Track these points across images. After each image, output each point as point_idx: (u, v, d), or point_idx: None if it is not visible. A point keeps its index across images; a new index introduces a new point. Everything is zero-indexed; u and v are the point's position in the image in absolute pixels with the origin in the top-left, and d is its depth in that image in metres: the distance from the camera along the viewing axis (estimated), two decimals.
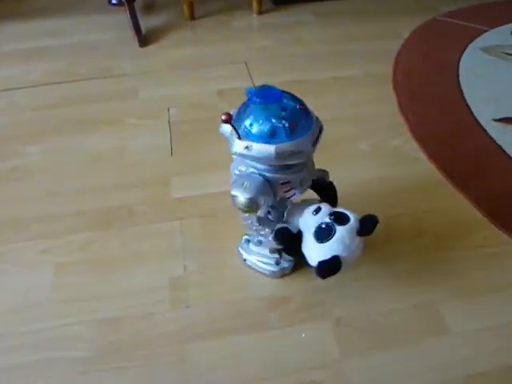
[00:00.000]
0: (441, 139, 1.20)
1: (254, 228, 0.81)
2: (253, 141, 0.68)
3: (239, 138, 0.69)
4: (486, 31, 1.70)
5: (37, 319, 0.82)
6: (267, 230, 0.80)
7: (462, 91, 1.37)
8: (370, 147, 1.18)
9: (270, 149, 0.67)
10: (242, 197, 0.70)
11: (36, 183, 1.10)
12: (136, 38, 1.68)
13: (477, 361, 0.75)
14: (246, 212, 0.74)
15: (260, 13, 1.88)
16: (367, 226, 0.70)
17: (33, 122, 1.31)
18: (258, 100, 0.68)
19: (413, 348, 0.77)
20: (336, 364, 0.75)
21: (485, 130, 1.21)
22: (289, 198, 0.76)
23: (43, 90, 1.45)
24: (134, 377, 0.74)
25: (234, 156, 0.77)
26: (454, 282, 0.86)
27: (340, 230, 0.69)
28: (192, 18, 1.85)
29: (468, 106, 1.31)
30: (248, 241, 0.88)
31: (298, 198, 0.77)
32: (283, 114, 0.68)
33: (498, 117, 1.26)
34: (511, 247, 0.92)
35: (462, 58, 1.54)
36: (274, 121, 0.67)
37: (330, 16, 1.85)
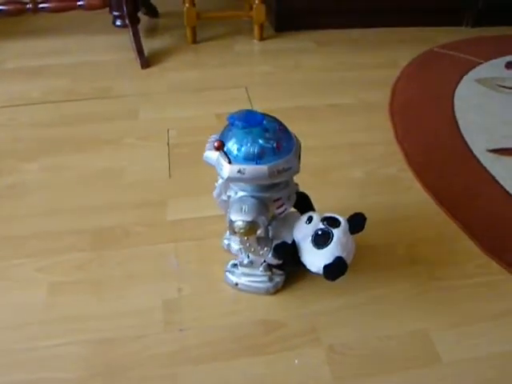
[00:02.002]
0: (435, 168, 1.21)
1: (253, 250, 0.82)
2: (243, 164, 0.69)
3: (230, 162, 0.70)
4: (481, 63, 1.74)
5: (28, 338, 0.82)
6: (266, 248, 0.81)
7: (456, 122, 1.40)
8: (365, 175, 1.19)
9: (262, 169, 0.69)
10: (243, 221, 0.72)
11: (34, 201, 1.10)
12: (138, 60, 1.70)
13: None
14: (246, 235, 0.75)
15: (261, 39, 1.92)
16: (358, 223, 0.76)
17: (32, 140, 1.32)
18: (240, 124, 0.70)
19: (405, 376, 0.77)
20: None
21: (478, 161, 1.23)
22: (280, 213, 0.78)
23: (44, 108, 1.46)
24: None
25: (217, 183, 0.79)
26: (446, 310, 0.87)
27: (336, 233, 0.74)
28: (194, 41, 1.89)
29: (462, 136, 1.33)
30: (235, 265, 0.89)
31: (288, 211, 0.80)
32: (267, 135, 0.70)
33: (491, 148, 1.28)
34: (503, 276, 0.93)
35: (458, 89, 1.57)
36: (261, 142, 0.69)
37: (330, 44, 1.88)
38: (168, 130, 1.33)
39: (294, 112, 1.44)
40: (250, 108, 1.43)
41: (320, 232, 0.75)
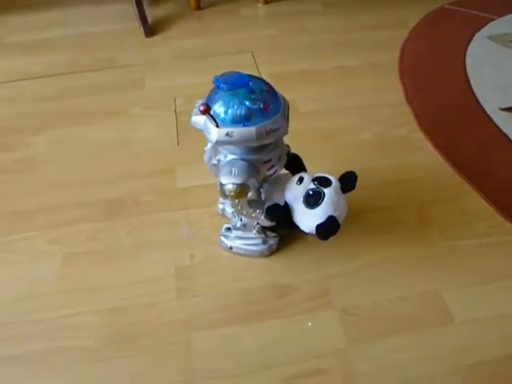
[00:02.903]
0: (447, 128, 1.19)
1: (245, 212, 0.81)
2: (230, 126, 0.68)
3: (217, 126, 0.69)
4: (494, 20, 1.68)
5: (43, 309, 0.83)
6: (258, 211, 0.81)
7: (468, 80, 1.37)
8: (375, 137, 1.17)
9: (250, 131, 0.68)
10: (233, 183, 0.72)
11: (42, 174, 1.10)
12: (142, 29, 1.67)
13: (480, 350, 0.76)
14: (237, 198, 0.75)
15: (266, 2, 1.87)
16: (349, 182, 0.76)
17: (38, 113, 1.31)
18: (225, 86, 0.69)
19: (418, 336, 0.77)
20: (342, 352, 0.76)
21: (491, 119, 1.21)
22: (271, 175, 0.78)
23: (48, 81, 1.45)
24: (140, 365, 0.75)
25: (206, 147, 0.80)
26: (459, 270, 0.87)
27: (327, 192, 0.73)
28: (198, 7, 1.85)
29: (474, 94, 1.30)
30: (229, 229, 0.90)
31: (278, 172, 0.79)
32: (253, 96, 0.69)
33: (504, 106, 1.25)
34: None
35: (469, 47, 1.53)
36: (247, 104, 0.68)
37: (337, 5, 1.83)
38: (175, 98, 1.32)
39: (301, 75, 1.41)
40: (257, 73, 1.41)
41: (311, 192, 0.74)
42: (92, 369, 0.75)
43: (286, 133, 0.73)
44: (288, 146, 0.83)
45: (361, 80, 1.39)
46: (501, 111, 1.23)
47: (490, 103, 1.26)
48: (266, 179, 0.79)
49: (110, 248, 0.93)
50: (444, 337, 0.77)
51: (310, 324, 0.79)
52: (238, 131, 0.68)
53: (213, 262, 0.89)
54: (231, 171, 0.73)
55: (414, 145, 1.14)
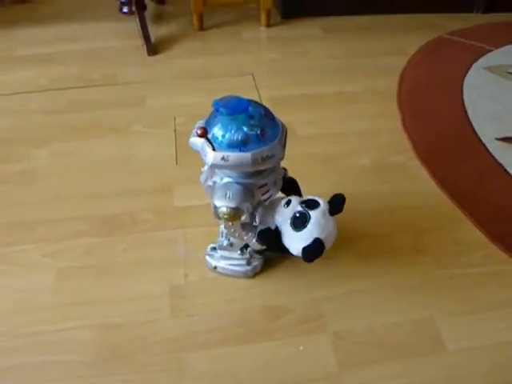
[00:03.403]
0: (443, 157, 1.21)
1: (237, 235, 0.82)
2: (226, 151, 0.70)
3: (213, 149, 0.70)
4: (491, 51, 1.72)
5: (37, 322, 0.83)
6: (250, 234, 0.81)
7: (465, 110, 1.39)
8: (372, 163, 1.19)
9: (246, 157, 0.69)
10: (227, 207, 0.73)
11: (42, 187, 1.11)
12: (145, 47, 1.70)
13: (473, 379, 0.76)
14: (230, 221, 0.77)
15: (268, 25, 1.91)
16: (337, 205, 0.77)
17: (42, 126, 1.33)
18: (225, 111, 0.70)
19: (410, 364, 0.77)
20: (333, 377, 0.75)
21: (487, 149, 1.22)
22: (266, 199, 0.79)
23: (53, 95, 1.47)
24: (132, 383, 0.75)
25: (203, 168, 0.81)
26: (452, 299, 0.87)
27: (314, 214, 0.74)
28: (201, 28, 1.88)
29: (471, 124, 1.33)
30: (214, 248, 0.90)
31: (274, 197, 0.80)
32: (252, 122, 0.70)
33: (500, 136, 1.27)
34: (510, 266, 0.93)
35: (467, 77, 1.56)
36: (245, 129, 0.70)
37: (337, 31, 1.87)
38: (175, 118, 1.33)
39: (301, 99, 1.43)
40: (257, 95, 1.43)
41: (298, 214, 0.75)
42: None
43: (281, 159, 0.75)
44: (285, 170, 0.84)
45: (360, 105, 1.41)
46: (497, 141, 1.25)
47: (487, 133, 1.28)
48: (260, 203, 0.80)
49: (105, 264, 0.93)
50: (435, 365, 0.77)
51: (301, 348, 0.79)
52: (234, 156, 0.70)
53: (208, 281, 0.89)
54: (226, 194, 0.74)
55: (411, 172, 1.16)
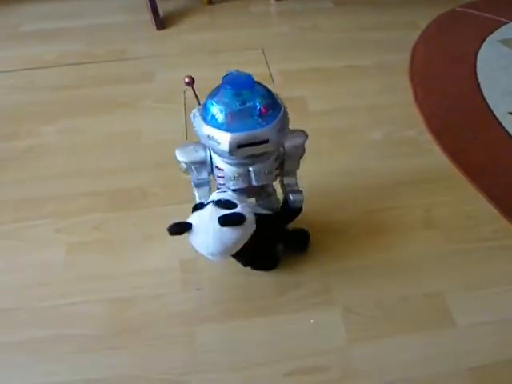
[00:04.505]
0: (455, 131, 1.19)
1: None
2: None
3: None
4: (506, 23, 1.67)
5: (49, 296, 0.84)
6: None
7: (478, 84, 1.36)
8: (383, 137, 1.17)
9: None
10: (178, 155, 0.76)
11: (51, 163, 1.11)
12: (153, 22, 1.68)
13: (482, 354, 0.75)
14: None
15: None
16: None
17: (49, 102, 1.32)
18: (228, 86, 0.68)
19: (419, 338, 0.77)
20: (343, 350, 0.76)
21: (500, 124, 1.20)
22: (219, 185, 0.77)
23: (60, 71, 1.46)
24: (142, 356, 0.76)
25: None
26: (462, 273, 0.87)
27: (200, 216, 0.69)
28: (210, 2, 1.86)
29: (484, 98, 1.30)
30: None
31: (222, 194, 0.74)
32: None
33: None
34: None
35: (480, 50, 1.52)
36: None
37: (348, 4, 1.84)
38: (184, 92, 1.32)
39: (311, 74, 1.41)
40: (267, 69, 1.41)
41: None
42: (94, 357, 0.76)
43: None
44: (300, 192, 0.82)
45: (371, 80, 1.39)
46: (510, 115, 1.23)
47: (500, 107, 1.26)
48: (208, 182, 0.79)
49: (115, 239, 0.94)
50: (446, 339, 0.77)
51: (312, 321, 0.79)
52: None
53: None
54: (193, 148, 0.75)
55: (422, 147, 1.14)
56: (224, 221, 0.65)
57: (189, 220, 0.69)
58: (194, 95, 0.75)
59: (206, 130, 0.68)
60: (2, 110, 1.31)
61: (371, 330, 0.78)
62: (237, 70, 0.72)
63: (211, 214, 0.67)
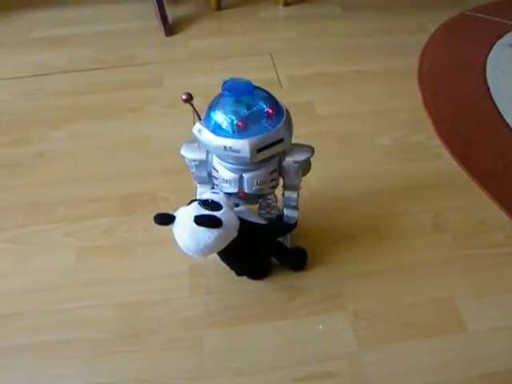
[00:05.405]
0: (465, 136, 1.18)
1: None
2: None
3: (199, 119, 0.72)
4: None
5: (58, 300, 0.84)
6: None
7: (488, 88, 1.36)
8: (392, 142, 1.17)
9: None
10: (182, 150, 0.77)
11: (62, 168, 1.12)
12: (162, 28, 1.69)
13: (493, 360, 0.75)
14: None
15: (286, 4, 1.88)
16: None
17: (59, 108, 1.33)
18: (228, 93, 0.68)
19: (430, 343, 0.77)
20: (352, 356, 0.75)
21: (510, 128, 1.20)
22: (215, 185, 0.78)
23: (70, 77, 1.47)
24: (150, 361, 0.76)
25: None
26: (472, 279, 0.86)
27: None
28: (218, 8, 1.86)
29: (494, 103, 1.29)
30: None
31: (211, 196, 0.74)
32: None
33: None
34: None
35: (490, 55, 1.52)
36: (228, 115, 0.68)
37: (356, 9, 1.84)
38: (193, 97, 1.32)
39: (319, 78, 1.41)
40: (275, 74, 1.41)
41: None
42: (103, 361, 0.76)
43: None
44: (296, 208, 0.82)
45: (379, 84, 1.39)
46: None
47: (510, 112, 1.25)
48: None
49: (125, 243, 0.94)
50: (457, 345, 0.77)
51: (320, 327, 0.79)
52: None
53: None
54: (196, 144, 0.76)
55: (432, 151, 1.14)
56: (198, 221, 0.66)
57: (176, 213, 0.69)
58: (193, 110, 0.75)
59: (220, 141, 0.67)
60: (13, 116, 1.32)
61: (381, 336, 0.78)
62: (232, 78, 0.71)
63: (192, 211, 0.68)
